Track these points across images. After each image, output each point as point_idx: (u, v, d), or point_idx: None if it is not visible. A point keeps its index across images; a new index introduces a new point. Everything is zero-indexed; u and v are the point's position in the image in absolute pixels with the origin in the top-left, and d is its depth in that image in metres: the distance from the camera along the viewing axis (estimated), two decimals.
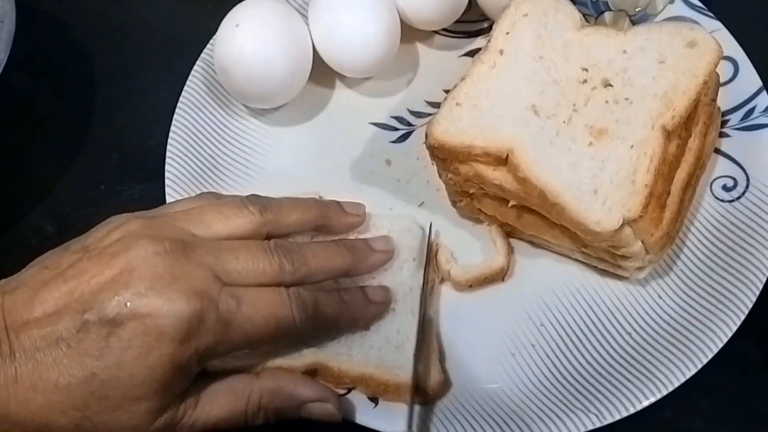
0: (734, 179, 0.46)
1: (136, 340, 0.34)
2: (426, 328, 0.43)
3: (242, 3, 0.49)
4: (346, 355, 0.41)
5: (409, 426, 0.40)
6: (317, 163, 0.51)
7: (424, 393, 0.41)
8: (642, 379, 0.41)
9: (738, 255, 0.44)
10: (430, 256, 0.45)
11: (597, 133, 0.42)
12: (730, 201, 0.46)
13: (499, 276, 0.45)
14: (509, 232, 0.46)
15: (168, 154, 0.49)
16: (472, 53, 0.53)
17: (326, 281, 0.41)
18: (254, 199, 0.41)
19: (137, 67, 0.57)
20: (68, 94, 0.56)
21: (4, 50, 0.49)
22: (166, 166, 0.49)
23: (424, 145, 0.45)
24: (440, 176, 0.47)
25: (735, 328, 0.42)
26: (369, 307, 0.42)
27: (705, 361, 0.41)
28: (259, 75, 0.48)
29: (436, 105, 0.50)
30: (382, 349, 0.42)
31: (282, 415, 0.39)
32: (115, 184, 0.52)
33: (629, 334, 0.43)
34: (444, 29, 0.54)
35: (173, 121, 0.50)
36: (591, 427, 0.40)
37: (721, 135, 0.48)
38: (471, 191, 0.45)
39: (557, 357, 0.43)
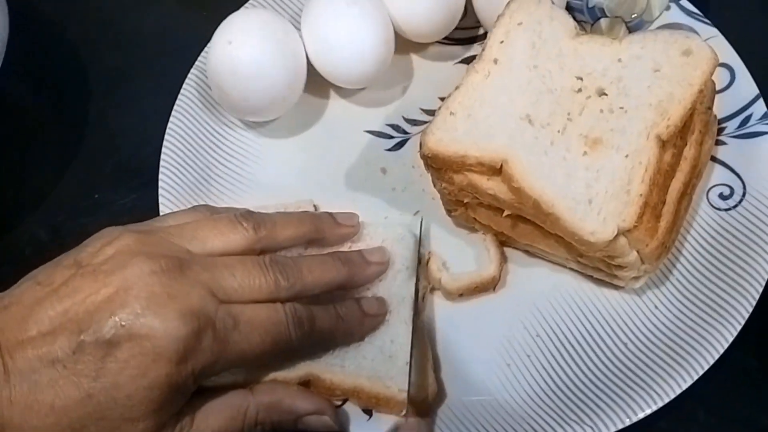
0: (731, 187, 0.46)
1: (132, 360, 0.34)
2: (420, 338, 0.43)
3: (234, 15, 0.49)
4: (339, 366, 0.41)
5: None
6: (312, 171, 0.50)
7: (418, 403, 0.41)
8: (638, 390, 0.41)
9: (734, 264, 0.44)
10: (419, 263, 0.45)
11: (592, 143, 0.42)
12: (727, 209, 0.46)
13: (491, 285, 0.45)
14: (504, 242, 0.46)
15: (162, 163, 0.49)
16: (468, 60, 0.53)
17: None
18: (248, 215, 0.41)
19: (132, 74, 0.56)
20: (63, 102, 0.56)
21: None
22: (160, 176, 0.49)
23: (419, 154, 0.45)
24: (435, 185, 0.46)
25: (732, 338, 0.41)
26: (365, 320, 0.42)
27: (702, 371, 0.41)
28: (254, 91, 0.48)
29: (432, 113, 0.50)
30: (376, 360, 0.41)
31: (278, 429, 0.39)
32: (109, 192, 0.52)
33: (625, 344, 0.43)
34: None
35: (167, 131, 0.50)
36: None
37: (718, 143, 0.47)
38: (465, 200, 0.45)
39: (552, 368, 0.43)
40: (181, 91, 0.52)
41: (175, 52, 0.55)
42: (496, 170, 0.42)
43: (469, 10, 0.52)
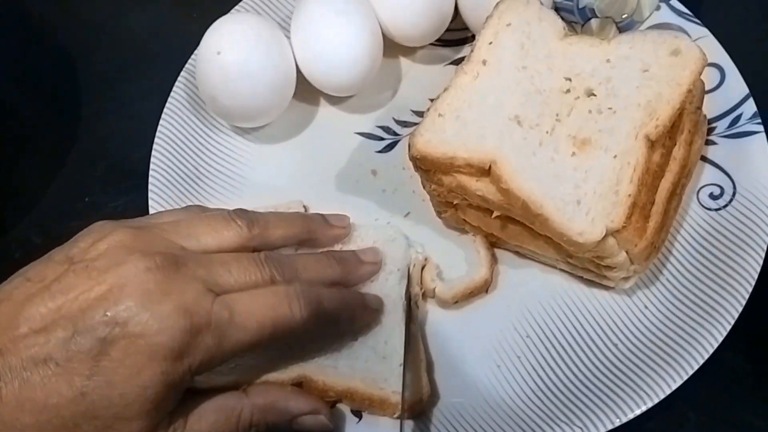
0: (721, 187, 0.46)
1: (127, 359, 0.33)
2: (413, 339, 0.43)
3: (222, 20, 0.49)
4: (332, 367, 0.41)
5: None
6: (302, 173, 0.51)
7: (411, 405, 0.41)
8: (628, 390, 0.41)
9: (724, 264, 0.43)
10: (410, 273, 0.45)
11: (580, 144, 0.42)
12: (717, 209, 0.46)
13: (483, 288, 0.45)
14: (494, 243, 0.46)
15: (151, 166, 0.49)
16: (458, 62, 0.53)
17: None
18: (242, 214, 0.41)
19: (123, 77, 0.57)
20: (54, 105, 0.56)
21: None
22: (150, 179, 0.49)
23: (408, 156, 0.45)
24: (424, 187, 0.46)
25: (722, 338, 0.41)
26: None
27: (692, 371, 0.41)
28: (245, 99, 0.48)
29: (422, 114, 0.49)
30: (369, 361, 0.41)
31: (273, 430, 0.39)
32: (100, 195, 0.52)
33: (615, 345, 0.43)
34: None
35: (157, 134, 0.50)
36: None
37: (708, 143, 0.47)
38: (455, 202, 0.45)
39: (542, 368, 0.43)
40: (171, 94, 0.52)
41: (166, 55, 0.55)
42: (485, 171, 0.42)
43: (458, 12, 0.52)
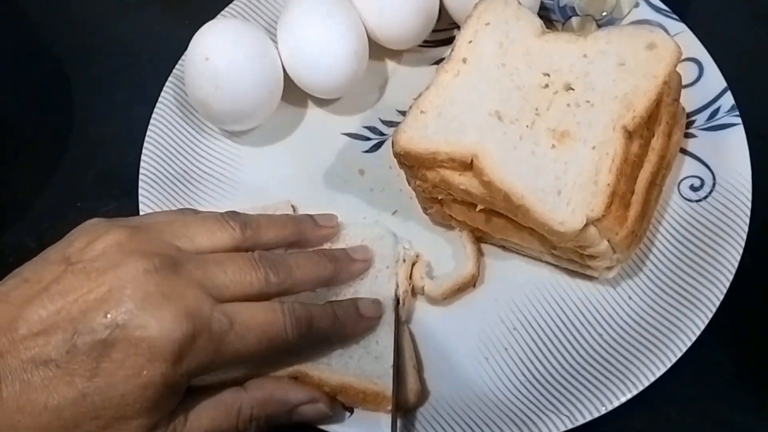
0: (701, 179, 0.47)
1: (128, 360, 0.34)
2: (402, 337, 0.44)
3: (209, 25, 0.49)
4: (326, 364, 0.42)
5: None
6: (291, 174, 0.51)
7: (402, 404, 0.42)
8: (613, 378, 0.41)
9: (705, 253, 0.44)
10: (399, 272, 0.45)
11: (560, 136, 0.42)
12: (698, 200, 0.46)
13: (471, 282, 0.45)
14: (480, 237, 0.47)
15: (141, 170, 0.50)
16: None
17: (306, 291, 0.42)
18: (234, 216, 0.41)
19: (114, 83, 0.57)
20: (45, 111, 0.57)
21: None
22: (140, 183, 0.49)
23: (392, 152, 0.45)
24: (409, 184, 0.47)
25: (703, 326, 0.42)
26: (360, 322, 0.42)
27: (675, 359, 0.41)
28: (233, 103, 0.48)
29: None
30: (362, 360, 0.42)
31: (273, 422, 0.39)
32: (91, 200, 0.52)
33: (600, 334, 0.44)
34: None
35: (146, 138, 0.51)
36: (563, 429, 0.40)
37: (688, 135, 0.48)
38: (440, 197, 0.45)
39: (529, 359, 0.44)
40: (159, 98, 0.52)
41: (157, 61, 0.56)
42: (467, 166, 0.42)
43: (443, 12, 0.53)
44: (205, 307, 0.36)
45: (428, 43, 0.55)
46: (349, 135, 0.52)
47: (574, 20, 0.53)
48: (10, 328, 0.34)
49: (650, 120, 0.43)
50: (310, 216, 0.46)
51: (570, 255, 0.43)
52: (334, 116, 0.53)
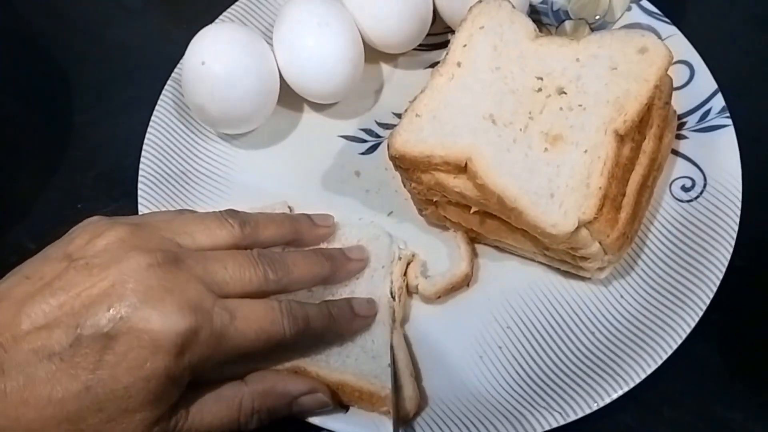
0: (692, 180, 0.48)
1: (131, 353, 0.34)
2: (396, 336, 0.44)
3: (206, 30, 0.50)
4: (324, 362, 0.42)
5: None
6: (288, 175, 0.52)
7: (402, 417, 0.42)
8: (604, 376, 0.42)
9: (696, 253, 0.45)
10: (394, 269, 0.46)
11: (552, 139, 0.43)
12: (689, 201, 0.47)
13: (464, 282, 0.46)
14: (474, 238, 0.47)
15: (140, 172, 0.50)
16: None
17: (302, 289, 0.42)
18: (233, 214, 0.42)
19: (113, 86, 0.58)
20: (45, 114, 0.57)
21: None
22: (139, 185, 0.50)
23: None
24: (405, 186, 0.48)
25: (694, 324, 0.43)
26: (354, 321, 0.43)
27: (666, 356, 0.42)
28: (229, 108, 0.49)
29: None
30: (359, 359, 0.42)
31: (274, 414, 0.40)
32: (91, 201, 0.53)
33: (592, 333, 0.44)
34: None
35: (145, 141, 0.52)
36: (555, 425, 0.41)
37: (679, 137, 0.49)
38: (435, 199, 0.46)
39: (523, 357, 0.44)
40: (158, 102, 0.53)
41: (156, 64, 0.56)
42: (462, 168, 0.43)
43: (438, 17, 0.54)
44: (207, 301, 0.36)
45: (423, 47, 0.55)
46: (346, 137, 0.53)
47: (567, 24, 0.54)
48: (12, 323, 0.34)
49: (642, 123, 0.44)
50: (308, 215, 0.46)
51: (562, 256, 0.44)
52: (330, 120, 0.54)
